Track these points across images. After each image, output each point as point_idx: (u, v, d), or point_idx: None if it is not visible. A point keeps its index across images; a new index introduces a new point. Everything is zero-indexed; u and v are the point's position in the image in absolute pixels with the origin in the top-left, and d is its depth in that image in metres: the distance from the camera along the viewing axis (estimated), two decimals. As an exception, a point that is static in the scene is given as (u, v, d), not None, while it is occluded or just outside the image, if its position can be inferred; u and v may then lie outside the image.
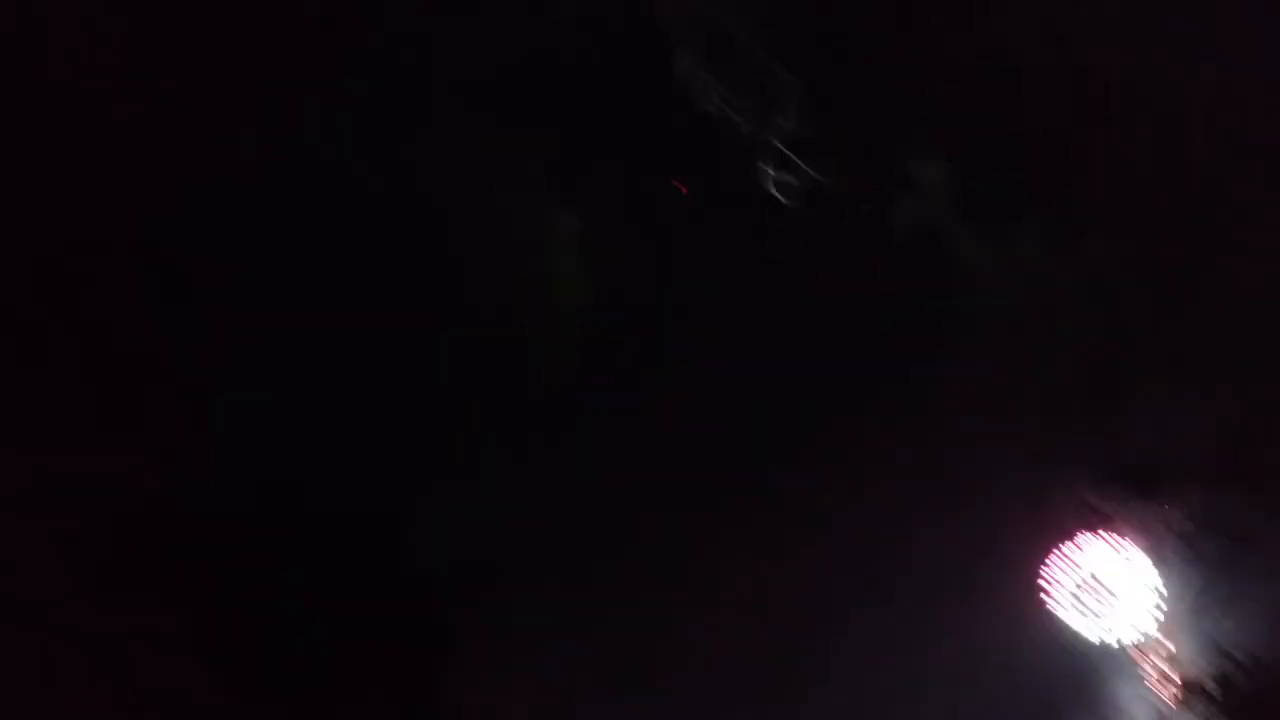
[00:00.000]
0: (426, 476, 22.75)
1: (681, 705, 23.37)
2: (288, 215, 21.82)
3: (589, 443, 23.24)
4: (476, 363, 22.61)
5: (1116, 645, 22.34)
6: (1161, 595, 22.23)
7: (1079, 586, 22.64)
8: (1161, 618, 22.17)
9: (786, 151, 21.79)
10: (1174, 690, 21.21)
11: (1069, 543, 22.77)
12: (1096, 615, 22.55)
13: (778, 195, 21.91)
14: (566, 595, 23.39)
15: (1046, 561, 22.79)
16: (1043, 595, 22.51)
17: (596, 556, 23.38)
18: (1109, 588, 22.62)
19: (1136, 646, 21.90)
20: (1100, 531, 22.70)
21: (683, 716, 23.55)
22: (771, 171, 21.86)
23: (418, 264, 22.13)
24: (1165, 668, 21.36)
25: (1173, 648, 21.53)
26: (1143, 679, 21.93)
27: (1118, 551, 22.70)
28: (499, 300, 22.48)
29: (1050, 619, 22.74)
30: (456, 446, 22.91)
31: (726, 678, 23.88)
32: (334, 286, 22.28)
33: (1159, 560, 22.54)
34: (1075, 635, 22.56)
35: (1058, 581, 22.61)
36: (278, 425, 22.07)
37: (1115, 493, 22.58)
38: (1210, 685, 20.62)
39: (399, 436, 22.69)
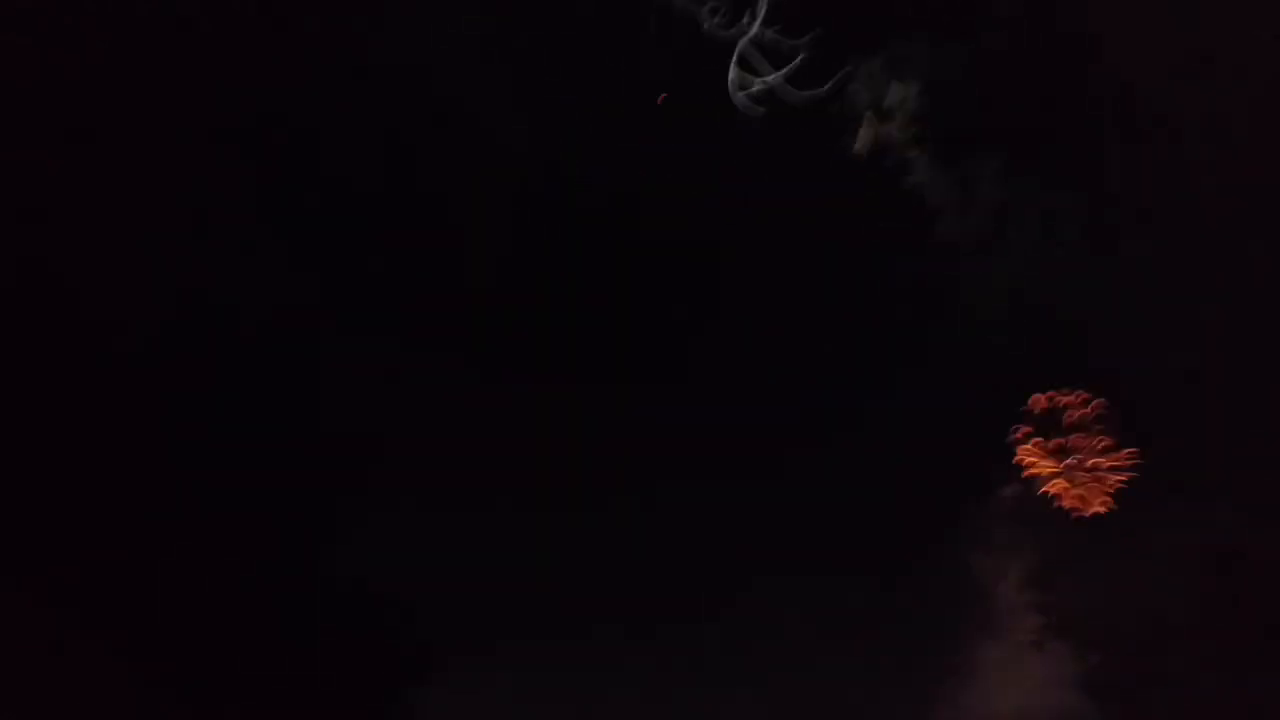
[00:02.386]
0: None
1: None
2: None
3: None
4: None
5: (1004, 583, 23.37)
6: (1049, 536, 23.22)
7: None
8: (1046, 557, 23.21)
9: (752, 57, 21.14)
10: (1047, 621, 22.22)
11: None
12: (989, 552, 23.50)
13: (741, 100, 21.31)
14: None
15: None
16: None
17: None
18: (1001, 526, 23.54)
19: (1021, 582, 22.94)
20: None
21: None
22: (735, 75, 21.21)
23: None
24: (1043, 602, 22.37)
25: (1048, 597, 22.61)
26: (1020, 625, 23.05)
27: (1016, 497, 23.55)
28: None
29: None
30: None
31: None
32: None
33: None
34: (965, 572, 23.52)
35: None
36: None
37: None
38: (1086, 622, 21.65)
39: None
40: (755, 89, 21.33)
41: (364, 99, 21.70)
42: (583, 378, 23.20)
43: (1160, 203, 20.48)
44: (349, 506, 22.78)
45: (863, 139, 21.00)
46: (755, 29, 20.86)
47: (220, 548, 21.72)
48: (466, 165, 22.07)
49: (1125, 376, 22.09)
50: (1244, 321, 20.61)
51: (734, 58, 20.95)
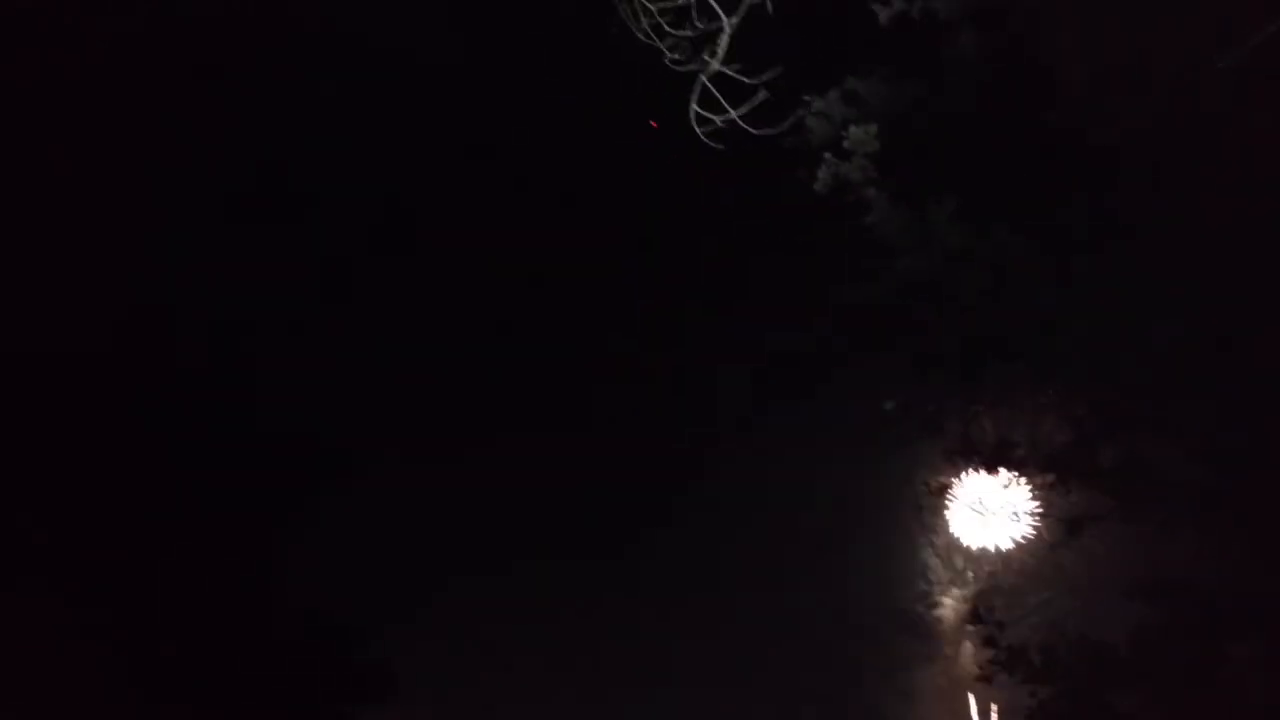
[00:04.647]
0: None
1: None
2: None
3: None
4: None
5: (945, 611, 23.69)
6: (992, 567, 23.59)
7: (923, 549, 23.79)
8: (988, 588, 23.58)
9: (711, 89, 20.86)
10: (995, 655, 22.42)
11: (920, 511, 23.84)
12: (929, 581, 23.82)
13: (698, 131, 21.05)
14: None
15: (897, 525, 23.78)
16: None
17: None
18: (942, 556, 23.87)
19: (968, 614, 23.24)
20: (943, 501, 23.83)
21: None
22: (695, 107, 20.92)
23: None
24: (990, 635, 22.60)
25: (998, 618, 22.86)
26: (968, 644, 23.33)
27: (955, 522, 23.92)
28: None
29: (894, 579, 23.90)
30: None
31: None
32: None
33: (993, 535, 23.88)
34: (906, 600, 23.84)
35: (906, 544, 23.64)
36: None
37: (962, 467, 23.61)
38: (1032, 654, 21.90)
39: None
40: (709, 120, 21.12)
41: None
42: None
43: (1117, 243, 20.79)
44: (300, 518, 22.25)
45: (822, 178, 20.97)
46: (715, 65, 20.56)
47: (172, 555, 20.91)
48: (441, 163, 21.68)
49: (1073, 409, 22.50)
50: (1195, 355, 21.02)
51: (694, 94, 20.66)
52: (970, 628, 23.26)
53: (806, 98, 21.03)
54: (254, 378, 22.05)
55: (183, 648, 20.96)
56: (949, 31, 20.63)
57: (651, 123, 20.78)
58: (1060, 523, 22.75)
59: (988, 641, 22.24)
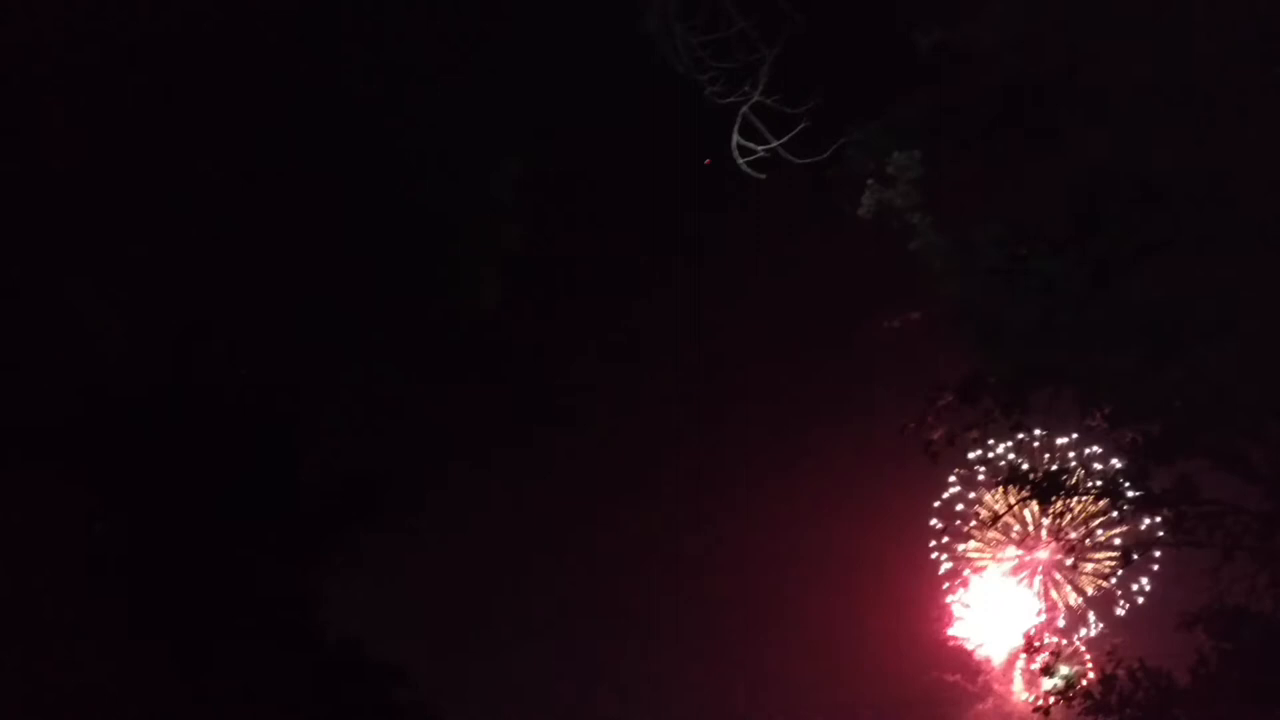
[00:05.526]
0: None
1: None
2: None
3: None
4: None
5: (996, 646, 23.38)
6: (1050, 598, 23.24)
7: (970, 583, 23.51)
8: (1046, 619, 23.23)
9: (754, 120, 21.04)
10: (1053, 686, 22.07)
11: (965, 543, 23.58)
12: (986, 612, 23.51)
13: (741, 163, 21.21)
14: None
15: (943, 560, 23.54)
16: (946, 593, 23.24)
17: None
18: (1000, 584, 23.55)
19: (1022, 645, 22.91)
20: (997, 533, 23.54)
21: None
22: (737, 139, 21.10)
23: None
24: (1047, 665, 22.26)
25: (1056, 648, 22.54)
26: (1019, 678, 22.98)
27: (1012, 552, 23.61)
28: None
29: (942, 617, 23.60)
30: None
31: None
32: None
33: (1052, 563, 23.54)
34: (963, 632, 23.51)
35: (952, 580, 23.38)
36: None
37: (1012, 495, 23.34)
38: (1092, 685, 21.55)
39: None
40: (752, 151, 21.27)
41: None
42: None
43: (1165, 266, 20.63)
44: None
45: (866, 204, 21.01)
46: (756, 96, 20.74)
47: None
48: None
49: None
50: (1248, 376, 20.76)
51: (736, 125, 20.85)
52: (1023, 660, 22.88)
53: (848, 126, 21.02)
54: (296, 412, 21.92)
55: (225, 686, 20.77)
56: (989, 59, 20.66)
57: (706, 160, 20.87)
58: (1115, 550, 22.40)
59: (1045, 672, 21.91)
